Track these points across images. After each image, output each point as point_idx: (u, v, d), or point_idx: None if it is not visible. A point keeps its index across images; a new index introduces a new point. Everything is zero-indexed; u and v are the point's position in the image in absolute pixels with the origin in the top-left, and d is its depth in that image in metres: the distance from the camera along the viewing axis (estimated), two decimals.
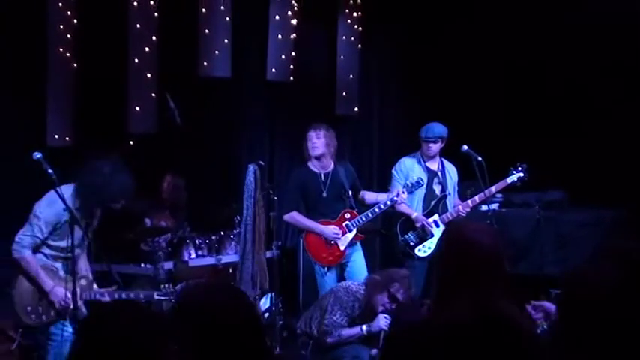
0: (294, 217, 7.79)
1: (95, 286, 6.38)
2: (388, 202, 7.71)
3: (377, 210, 7.74)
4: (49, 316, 6.05)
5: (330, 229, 7.67)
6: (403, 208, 7.92)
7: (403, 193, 7.71)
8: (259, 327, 2.85)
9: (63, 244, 5.99)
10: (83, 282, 6.20)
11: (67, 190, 6.03)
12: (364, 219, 7.74)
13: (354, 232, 7.73)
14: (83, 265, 6.32)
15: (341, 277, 7.77)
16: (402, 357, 3.00)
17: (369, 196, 8.02)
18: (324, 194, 7.79)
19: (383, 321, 6.26)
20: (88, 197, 6.06)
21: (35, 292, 6.01)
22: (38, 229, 5.95)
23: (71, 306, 5.94)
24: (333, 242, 7.67)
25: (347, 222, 7.72)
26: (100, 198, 6.07)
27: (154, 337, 2.45)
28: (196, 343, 2.66)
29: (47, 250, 6.08)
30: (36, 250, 6.03)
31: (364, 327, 6.36)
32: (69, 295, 5.97)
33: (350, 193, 7.88)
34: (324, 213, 7.79)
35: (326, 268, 7.69)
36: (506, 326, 2.97)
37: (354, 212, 7.77)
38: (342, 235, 7.68)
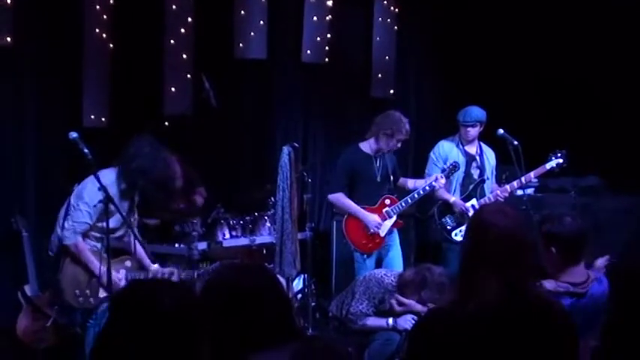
0: (340, 198, 7.73)
1: (156, 265, 6.38)
2: (427, 188, 7.67)
3: (416, 196, 7.70)
4: (96, 299, 6.09)
5: (374, 219, 7.62)
6: (441, 192, 7.87)
7: (441, 178, 7.66)
8: (289, 308, 2.84)
9: (102, 225, 6.00)
10: (128, 263, 6.23)
11: (110, 173, 6.06)
12: (404, 205, 7.69)
13: (394, 218, 7.68)
14: (130, 246, 6.33)
15: (378, 264, 7.72)
16: (430, 343, 2.99)
17: (410, 183, 7.96)
18: (378, 179, 7.72)
19: (409, 323, 6.17)
20: (135, 180, 6.09)
21: (83, 275, 6.04)
22: (87, 214, 5.98)
23: (120, 285, 5.99)
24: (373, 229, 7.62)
25: (387, 208, 7.67)
26: (147, 178, 6.08)
27: (192, 317, 2.43)
28: (225, 323, 2.65)
29: (91, 232, 6.11)
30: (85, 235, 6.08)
31: (390, 321, 6.28)
32: (118, 277, 6.03)
33: (392, 178, 7.84)
34: (374, 198, 7.73)
35: (365, 255, 7.64)
36: (534, 308, 2.95)
37: (394, 198, 7.72)
38: (383, 222, 7.62)
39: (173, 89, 8.75)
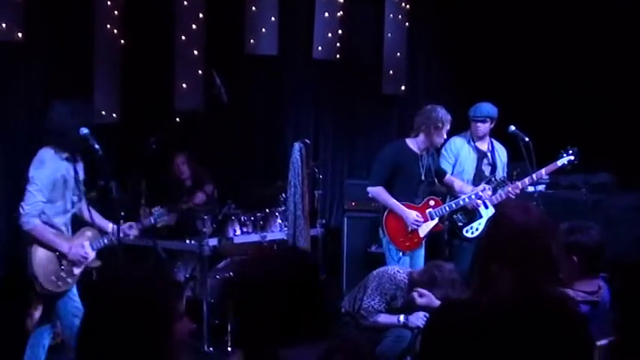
0: (380, 192, 7.46)
1: (111, 225, 6.21)
2: (473, 196, 7.58)
3: (461, 202, 7.57)
4: (73, 277, 6.00)
5: (413, 215, 7.43)
6: (455, 186, 7.81)
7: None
8: (320, 304, 2.76)
9: (60, 203, 5.94)
10: (89, 233, 6.12)
11: (47, 150, 5.94)
12: (447, 209, 7.55)
13: (436, 220, 7.55)
14: (93, 216, 6.23)
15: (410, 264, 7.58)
16: (443, 338, 2.97)
17: (457, 184, 7.83)
18: (423, 177, 7.58)
19: (421, 320, 6.11)
20: (64, 135, 5.92)
21: (53, 258, 5.93)
22: (39, 193, 5.83)
23: (90, 257, 6.01)
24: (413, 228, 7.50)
25: (430, 209, 7.51)
26: (73, 125, 5.83)
27: (166, 298, 2.49)
28: (255, 316, 2.61)
29: (48, 213, 5.99)
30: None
31: (401, 318, 6.21)
32: (84, 252, 5.98)
33: (435, 178, 7.72)
34: (414, 197, 7.54)
35: (401, 253, 7.52)
36: (548, 306, 2.94)
37: (439, 200, 7.59)
38: (424, 222, 7.51)
39: (184, 85, 8.77)
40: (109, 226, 6.24)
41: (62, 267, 5.97)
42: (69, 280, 6.00)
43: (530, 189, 8.18)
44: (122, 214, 6.16)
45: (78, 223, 6.21)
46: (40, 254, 5.93)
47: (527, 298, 2.92)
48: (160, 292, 2.47)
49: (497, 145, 8.12)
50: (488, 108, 7.89)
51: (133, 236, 6.34)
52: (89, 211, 6.13)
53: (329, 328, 2.73)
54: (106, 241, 6.15)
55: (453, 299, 3.47)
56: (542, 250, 3.02)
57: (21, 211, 5.85)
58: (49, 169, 5.85)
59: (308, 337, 2.59)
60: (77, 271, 6.03)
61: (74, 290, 6.06)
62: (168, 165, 8.77)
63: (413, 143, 7.54)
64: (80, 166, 6.09)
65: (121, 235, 6.11)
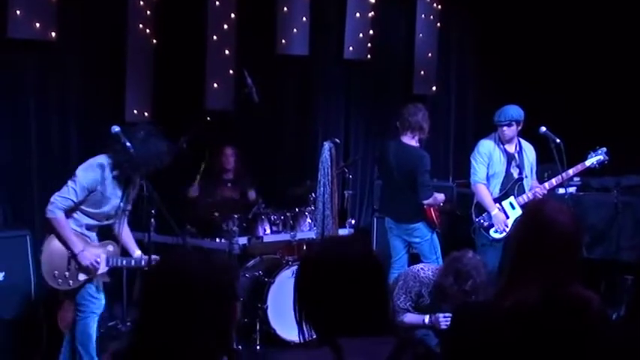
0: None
1: (139, 252, 6.27)
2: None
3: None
4: (75, 281, 5.99)
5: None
6: (485, 201, 7.78)
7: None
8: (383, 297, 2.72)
9: (97, 212, 5.98)
10: (110, 248, 6.13)
11: (102, 160, 5.96)
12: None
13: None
14: (123, 234, 6.22)
15: None
16: (468, 340, 2.97)
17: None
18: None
19: (445, 321, 6.03)
20: (122, 165, 5.91)
21: (63, 256, 5.93)
22: (73, 192, 5.84)
23: (99, 268, 5.99)
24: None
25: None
26: (135, 164, 5.87)
27: (225, 281, 2.48)
28: (325, 295, 2.56)
29: (83, 219, 5.99)
30: (69, 213, 5.93)
31: (427, 318, 6.19)
32: (98, 258, 5.98)
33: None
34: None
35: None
36: (573, 309, 2.93)
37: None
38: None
39: (215, 85, 8.82)
40: (135, 254, 6.26)
41: (69, 267, 5.96)
42: (70, 282, 5.99)
43: (561, 190, 8.13)
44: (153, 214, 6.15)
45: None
46: (52, 246, 5.94)
47: (553, 299, 2.92)
48: (224, 270, 2.48)
49: (525, 145, 8.01)
50: (512, 111, 7.75)
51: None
52: (121, 226, 6.16)
53: (390, 323, 2.68)
54: (124, 262, 6.15)
55: (473, 302, 3.44)
56: (575, 251, 3.03)
57: (51, 199, 5.89)
58: (92, 178, 5.89)
59: (369, 329, 2.52)
60: (82, 277, 6.02)
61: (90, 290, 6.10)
62: (215, 154, 8.77)
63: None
64: (134, 189, 6.12)
65: (143, 262, 6.12)
